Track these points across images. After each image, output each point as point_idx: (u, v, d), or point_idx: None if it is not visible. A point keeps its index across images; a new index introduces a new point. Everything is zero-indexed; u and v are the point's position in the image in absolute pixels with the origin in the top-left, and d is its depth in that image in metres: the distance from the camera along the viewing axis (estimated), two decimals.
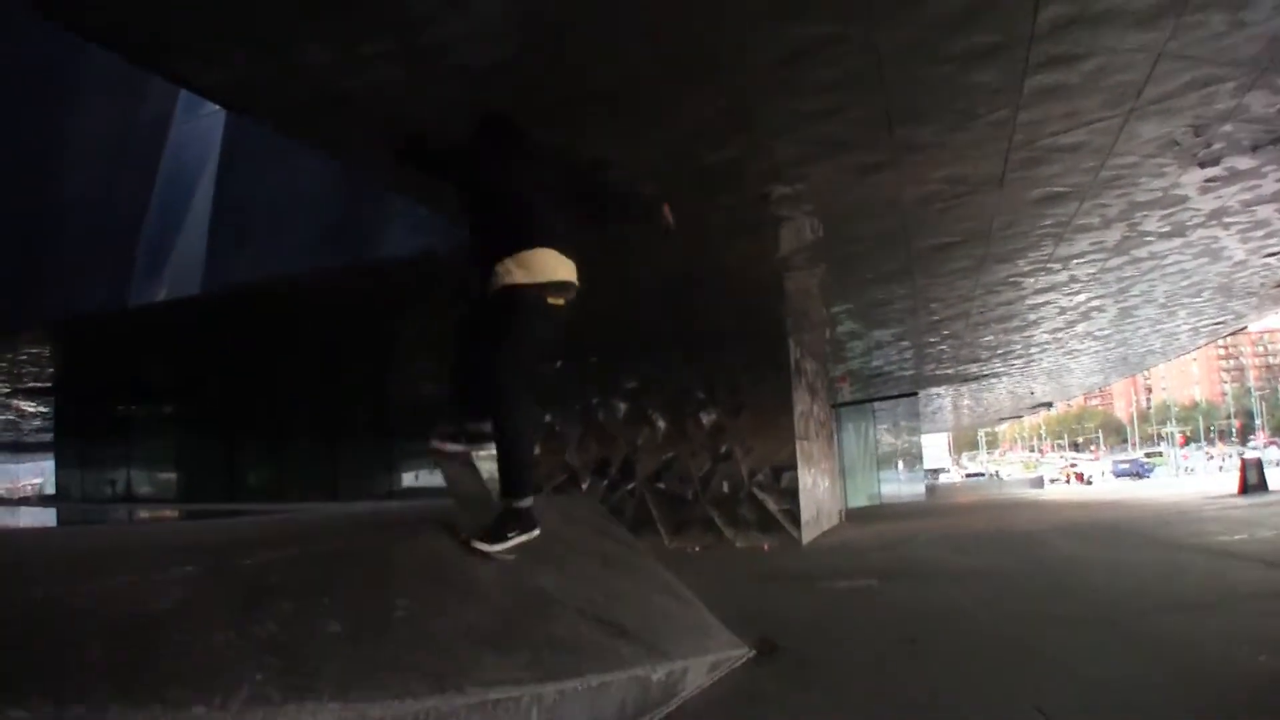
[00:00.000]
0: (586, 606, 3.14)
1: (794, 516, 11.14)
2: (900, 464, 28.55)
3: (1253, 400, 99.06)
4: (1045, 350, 16.49)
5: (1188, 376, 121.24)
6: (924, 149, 5.81)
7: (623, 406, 12.06)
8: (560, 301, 3.06)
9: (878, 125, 5.37)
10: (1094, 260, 9.30)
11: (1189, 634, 3.98)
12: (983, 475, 66.67)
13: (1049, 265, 9.25)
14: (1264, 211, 8.16)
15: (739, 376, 11.55)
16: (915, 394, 20.19)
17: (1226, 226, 8.51)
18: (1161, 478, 44.56)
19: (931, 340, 13.57)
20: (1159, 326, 15.15)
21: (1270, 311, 16.35)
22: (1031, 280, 9.89)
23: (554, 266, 3.04)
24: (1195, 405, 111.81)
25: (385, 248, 8.14)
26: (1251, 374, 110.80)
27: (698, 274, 8.79)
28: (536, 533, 3.04)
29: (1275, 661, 3.30)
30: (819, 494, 13.07)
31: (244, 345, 12.15)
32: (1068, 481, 50.10)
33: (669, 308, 10.34)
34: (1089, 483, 48.09)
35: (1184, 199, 7.49)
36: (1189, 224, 8.31)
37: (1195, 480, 33.96)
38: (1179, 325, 15.39)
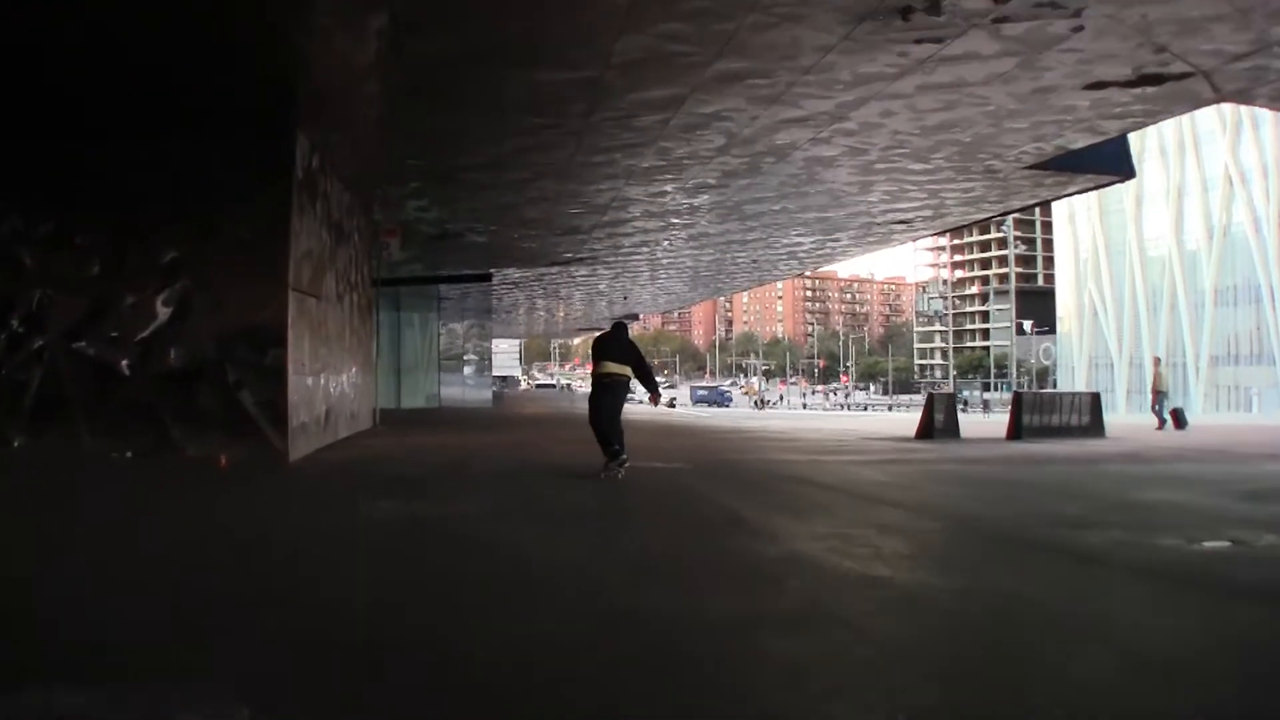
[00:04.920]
0: None
1: (275, 414, 6.90)
2: (467, 366, 25.88)
3: (839, 343, 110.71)
4: (645, 244, 14.75)
5: (771, 314, 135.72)
6: None
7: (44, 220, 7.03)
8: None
9: None
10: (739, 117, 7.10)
11: None
12: (554, 386, 67.74)
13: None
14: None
15: (215, 174, 6.96)
16: (489, 275, 16.75)
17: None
18: (741, 407, 46.47)
19: (528, 194, 10.14)
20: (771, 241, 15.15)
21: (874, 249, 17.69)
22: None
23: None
24: (777, 341, 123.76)
25: None
26: (839, 319, 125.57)
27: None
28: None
29: None
30: (332, 386, 8.84)
31: None
32: (655, 404, 50.97)
33: (114, 53, 5.73)
34: (672, 405, 49.89)
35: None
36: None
37: (790, 412, 33.68)
38: (791, 242, 15.50)
